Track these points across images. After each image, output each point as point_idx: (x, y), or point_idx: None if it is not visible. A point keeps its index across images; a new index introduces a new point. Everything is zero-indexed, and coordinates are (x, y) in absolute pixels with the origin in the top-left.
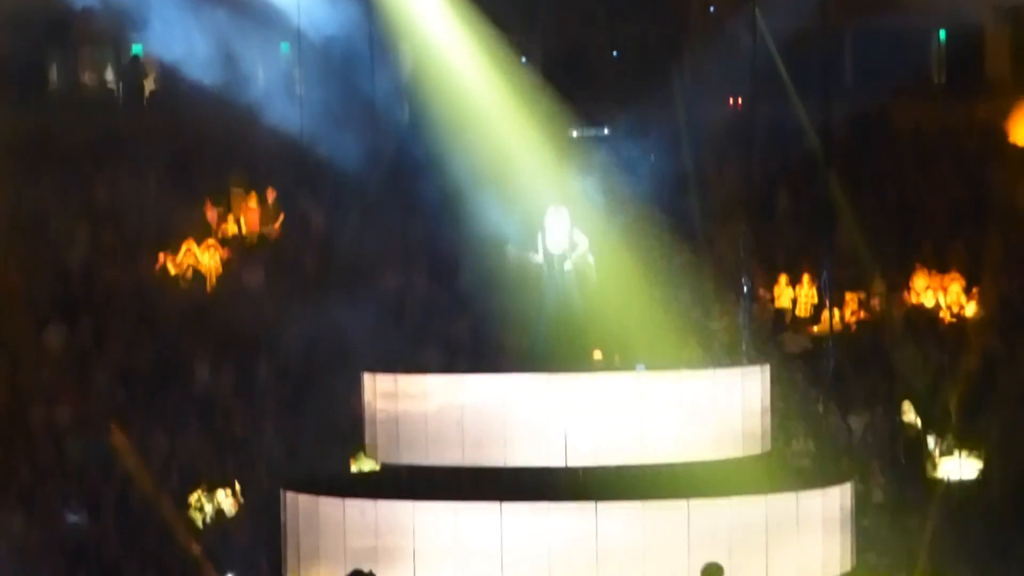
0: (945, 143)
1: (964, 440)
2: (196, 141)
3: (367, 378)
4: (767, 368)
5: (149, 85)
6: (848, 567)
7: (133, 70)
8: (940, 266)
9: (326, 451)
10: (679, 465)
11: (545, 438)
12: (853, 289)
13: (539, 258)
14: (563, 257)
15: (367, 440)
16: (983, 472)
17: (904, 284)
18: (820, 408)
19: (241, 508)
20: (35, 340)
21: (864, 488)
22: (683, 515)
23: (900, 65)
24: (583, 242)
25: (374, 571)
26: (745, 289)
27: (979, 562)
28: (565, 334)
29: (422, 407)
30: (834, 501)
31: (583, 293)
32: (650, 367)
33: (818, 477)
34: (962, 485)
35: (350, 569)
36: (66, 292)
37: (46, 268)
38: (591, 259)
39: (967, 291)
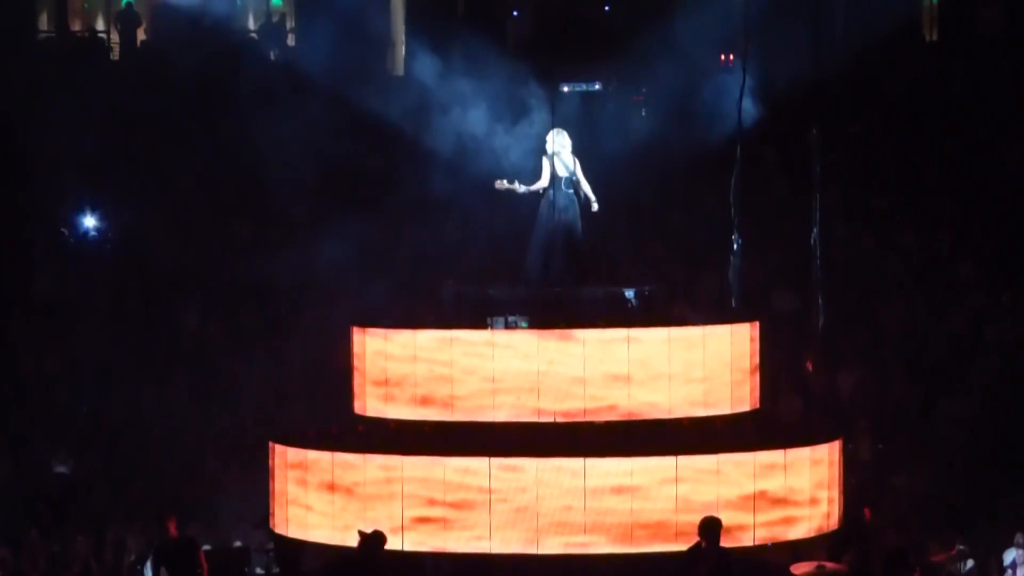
0: (937, 99)
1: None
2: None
3: (356, 332)
4: (756, 325)
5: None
6: (835, 525)
7: (126, 19)
8: (931, 222)
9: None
10: (668, 421)
11: (533, 392)
12: (843, 246)
13: (539, 185)
14: (568, 181)
15: (356, 393)
16: (970, 427)
17: (895, 239)
18: (809, 366)
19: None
20: None
21: (853, 446)
22: (671, 471)
23: (890, 21)
24: (580, 170)
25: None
26: (735, 246)
27: (967, 519)
28: (570, 257)
29: (411, 362)
30: (822, 458)
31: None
32: (639, 294)
33: (806, 434)
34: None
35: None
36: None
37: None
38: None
39: (957, 246)
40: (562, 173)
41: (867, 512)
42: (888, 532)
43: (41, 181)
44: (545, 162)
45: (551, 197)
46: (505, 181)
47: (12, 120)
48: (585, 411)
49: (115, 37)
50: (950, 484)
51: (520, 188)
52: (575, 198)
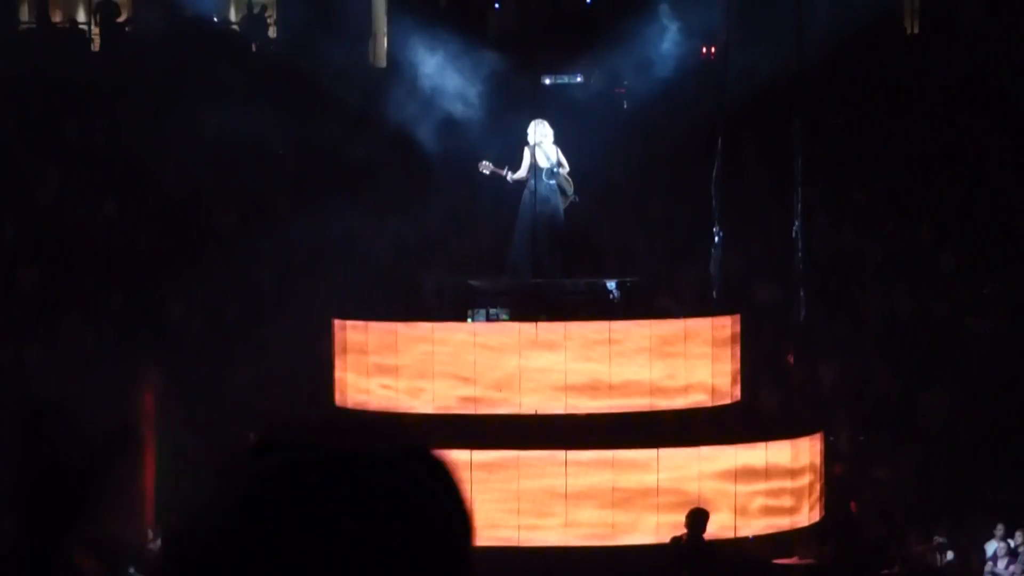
0: (918, 90)
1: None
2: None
3: (337, 324)
4: (737, 317)
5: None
6: (817, 517)
7: (106, 8)
8: (912, 214)
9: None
10: (649, 414)
11: (514, 385)
12: (824, 237)
13: (520, 174)
14: (550, 171)
15: (336, 385)
16: (951, 419)
17: (876, 230)
18: (790, 358)
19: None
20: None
21: (834, 438)
22: (652, 463)
23: (871, 13)
24: (564, 160)
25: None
26: (716, 238)
27: (949, 511)
28: (553, 247)
29: (392, 354)
30: (803, 451)
31: (564, 207)
32: (621, 286)
33: (787, 427)
34: (929, 436)
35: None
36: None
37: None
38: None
39: (938, 237)
40: (543, 164)
41: (852, 505)
42: (870, 524)
43: (22, 169)
44: (526, 152)
45: (532, 187)
46: (490, 164)
47: None
48: (566, 404)
49: (96, 28)
50: (932, 475)
51: (506, 173)
52: (556, 188)
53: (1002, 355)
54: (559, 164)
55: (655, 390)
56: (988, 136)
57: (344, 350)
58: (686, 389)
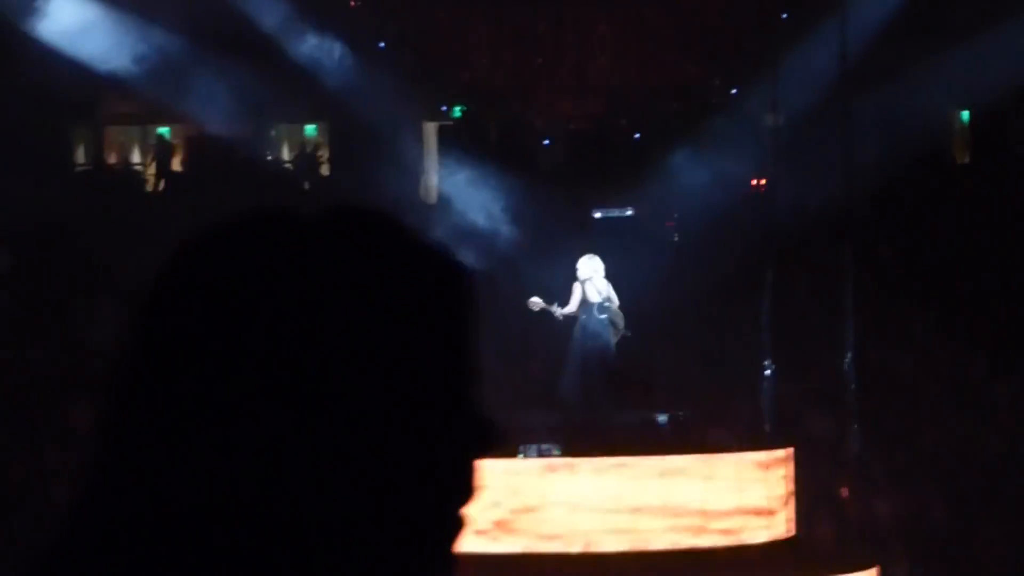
0: (969, 219)
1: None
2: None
3: None
4: (790, 451)
5: (175, 165)
6: None
7: (160, 149)
8: (966, 343)
9: None
10: (700, 550)
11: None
12: (878, 368)
13: (570, 309)
14: (600, 306)
15: None
16: (1009, 553)
17: (931, 361)
18: (844, 492)
19: None
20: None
21: (891, 573)
22: None
23: (921, 144)
24: (614, 295)
25: None
26: (767, 372)
27: None
28: (605, 381)
29: None
30: None
31: (616, 340)
32: (672, 419)
33: (842, 562)
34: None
35: None
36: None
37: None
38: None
39: (992, 369)
40: (594, 298)
41: None
42: None
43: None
44: (576, 287)
45: (583, 322)
46: (540, 300)
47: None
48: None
49: (152, 168)
50: None
51: (556, 310)
52: (608, 323)
53: None
54: (609, 299)
55: (704, 526)
56: None
57: None
58: (740, 524)
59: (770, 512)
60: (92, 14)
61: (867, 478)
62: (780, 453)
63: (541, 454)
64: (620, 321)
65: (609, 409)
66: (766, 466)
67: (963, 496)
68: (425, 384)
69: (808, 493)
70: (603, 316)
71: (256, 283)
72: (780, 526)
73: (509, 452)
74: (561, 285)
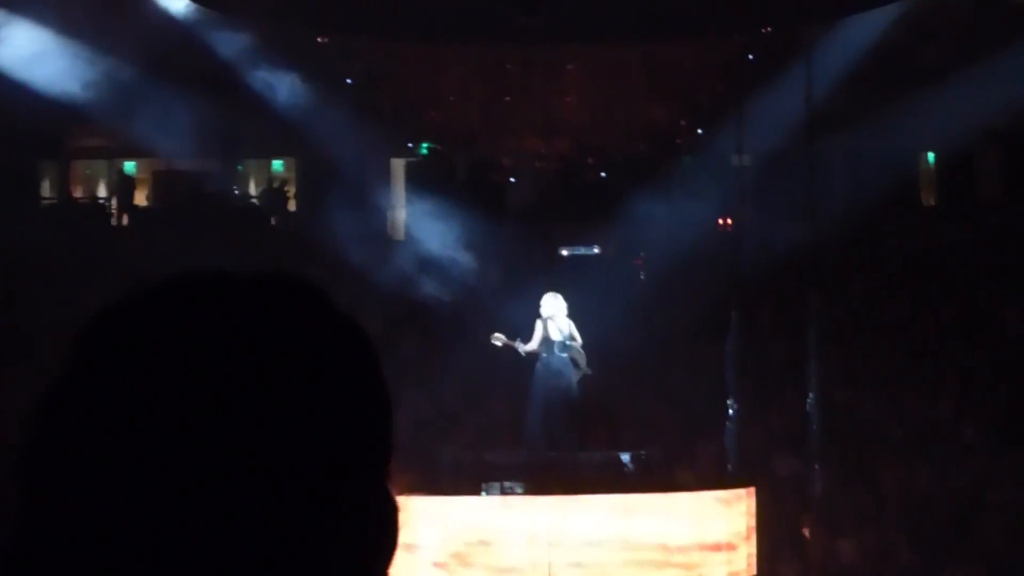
0: (936, 263)
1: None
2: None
3: None
4: (752, 490)
5: (141, 200)
6: None
7: (122, 184)
8: (931, 386)
9: None
10: None
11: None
12: (843, 409)
13: (532, 346)
14: (562, 344)
15: None
16: None
17: (895, 402)
18: (805, 531)
19: None
20: None
21: None
22: None
23: (888, 186)
24: (576, 333)
25: None
26: (731, 411)
27: None
28: (568, 420)
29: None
30: None
31: (577, 380)
32: (636, 458)
33: None
34: None
35: None
36: None
37: None
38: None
39: (958, 411)
40: (555, 337)
41: None
42: None
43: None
44: (539, 325)
45: (545, 360)
46: (503, 336)
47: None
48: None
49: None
50: None
51: (518, 345)
52: (569, 362)
53: None
54: (571, 337)
55: (666, 560)
56: (1007, 307)
57: None
58: (700, 559)
59: (730, 547)
60: (46, 41)
61: (830, 518)
62: (742, 491)
63: (504, 492)
64: (582, 360)
65: (573, 448)
66: (727, 503)
67: (927, 537)
68: (315, 467)
69: (771, 532)
70: (564, 355)
71: (157, 358)
72: (741, 562)
73: (472, 490)
74: (527, 322)
